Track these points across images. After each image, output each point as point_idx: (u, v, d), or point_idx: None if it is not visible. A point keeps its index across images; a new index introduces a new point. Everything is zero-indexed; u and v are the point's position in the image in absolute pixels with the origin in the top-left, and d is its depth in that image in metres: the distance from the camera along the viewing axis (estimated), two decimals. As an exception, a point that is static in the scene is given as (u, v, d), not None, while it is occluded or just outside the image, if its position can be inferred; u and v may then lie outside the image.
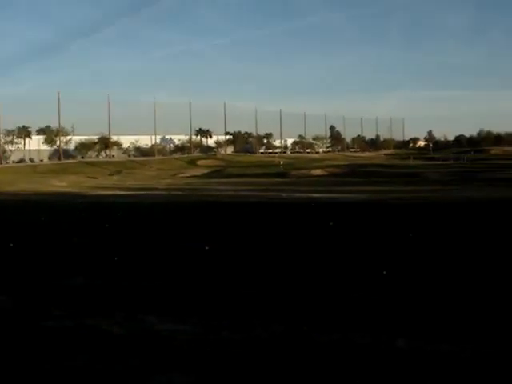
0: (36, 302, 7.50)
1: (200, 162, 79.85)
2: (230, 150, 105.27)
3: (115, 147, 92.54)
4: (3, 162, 76.22)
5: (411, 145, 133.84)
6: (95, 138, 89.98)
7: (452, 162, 76.08)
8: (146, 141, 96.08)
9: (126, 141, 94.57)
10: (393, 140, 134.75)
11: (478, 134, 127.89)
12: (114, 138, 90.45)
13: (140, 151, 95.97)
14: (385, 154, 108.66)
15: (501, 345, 5.50)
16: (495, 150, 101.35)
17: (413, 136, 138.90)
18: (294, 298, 7.47)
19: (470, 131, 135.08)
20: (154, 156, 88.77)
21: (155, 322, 6.34)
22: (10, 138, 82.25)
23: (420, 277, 8.65)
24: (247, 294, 7.69)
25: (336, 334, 5.87)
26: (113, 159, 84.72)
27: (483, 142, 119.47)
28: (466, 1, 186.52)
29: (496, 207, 20.17)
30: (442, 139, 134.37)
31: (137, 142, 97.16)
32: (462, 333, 5.90)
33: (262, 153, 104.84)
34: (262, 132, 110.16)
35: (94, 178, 57.11)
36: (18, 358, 5.32)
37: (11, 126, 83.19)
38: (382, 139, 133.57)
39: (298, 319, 6.45)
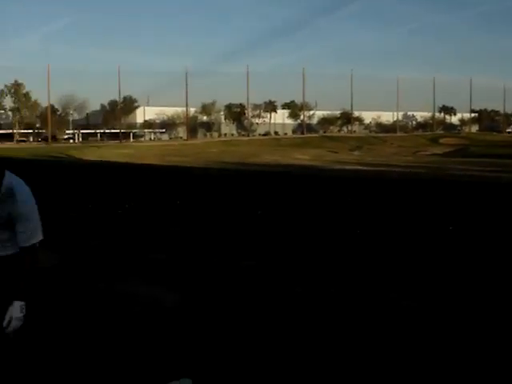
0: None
1: (442, 140, 77.55)
2: (474, 128, 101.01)
3: (357, 123, 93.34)
4: (250, 134, 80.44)
5: None
6: (337, 113, 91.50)
7: None
8: (387, 117, 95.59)
9: (368, 116, 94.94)
10: None
11: None
12: (356, 113, 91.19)
13: (381, 127, 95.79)
14: None
15: None
16: None
17: None
18: None
19: None
20: (396, 133, 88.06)
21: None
22: (257, 112, 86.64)
23: None
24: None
25: None
26: (354, 134, 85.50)
27: None
28: None
29: None
30: None
31: (378, 117, 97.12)
32: None
33: (508, 132, 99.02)
34: (510, 110, 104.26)
35: (334, 152, 58.09)
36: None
37: (258, 101, 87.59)
38: None
39: None
